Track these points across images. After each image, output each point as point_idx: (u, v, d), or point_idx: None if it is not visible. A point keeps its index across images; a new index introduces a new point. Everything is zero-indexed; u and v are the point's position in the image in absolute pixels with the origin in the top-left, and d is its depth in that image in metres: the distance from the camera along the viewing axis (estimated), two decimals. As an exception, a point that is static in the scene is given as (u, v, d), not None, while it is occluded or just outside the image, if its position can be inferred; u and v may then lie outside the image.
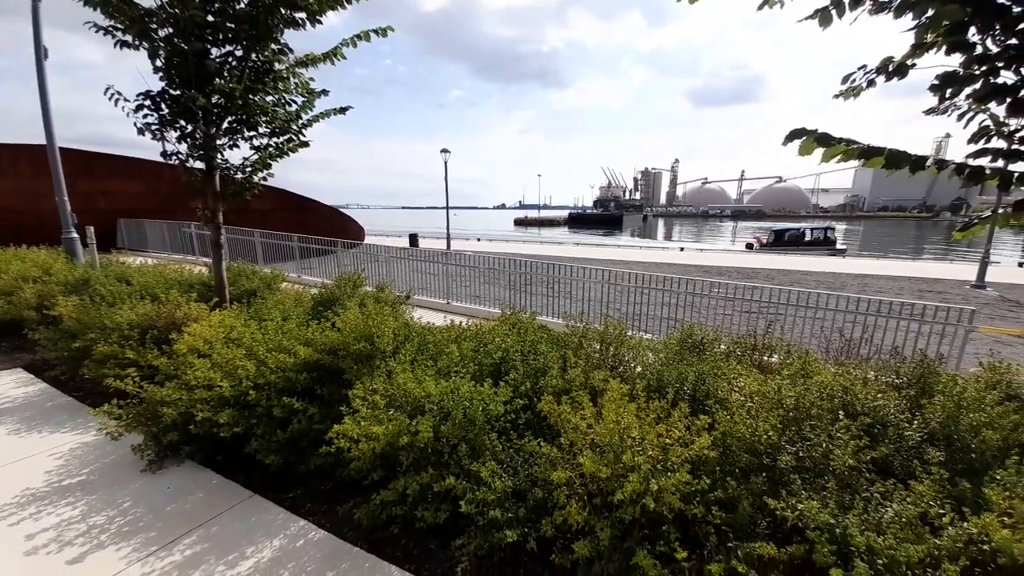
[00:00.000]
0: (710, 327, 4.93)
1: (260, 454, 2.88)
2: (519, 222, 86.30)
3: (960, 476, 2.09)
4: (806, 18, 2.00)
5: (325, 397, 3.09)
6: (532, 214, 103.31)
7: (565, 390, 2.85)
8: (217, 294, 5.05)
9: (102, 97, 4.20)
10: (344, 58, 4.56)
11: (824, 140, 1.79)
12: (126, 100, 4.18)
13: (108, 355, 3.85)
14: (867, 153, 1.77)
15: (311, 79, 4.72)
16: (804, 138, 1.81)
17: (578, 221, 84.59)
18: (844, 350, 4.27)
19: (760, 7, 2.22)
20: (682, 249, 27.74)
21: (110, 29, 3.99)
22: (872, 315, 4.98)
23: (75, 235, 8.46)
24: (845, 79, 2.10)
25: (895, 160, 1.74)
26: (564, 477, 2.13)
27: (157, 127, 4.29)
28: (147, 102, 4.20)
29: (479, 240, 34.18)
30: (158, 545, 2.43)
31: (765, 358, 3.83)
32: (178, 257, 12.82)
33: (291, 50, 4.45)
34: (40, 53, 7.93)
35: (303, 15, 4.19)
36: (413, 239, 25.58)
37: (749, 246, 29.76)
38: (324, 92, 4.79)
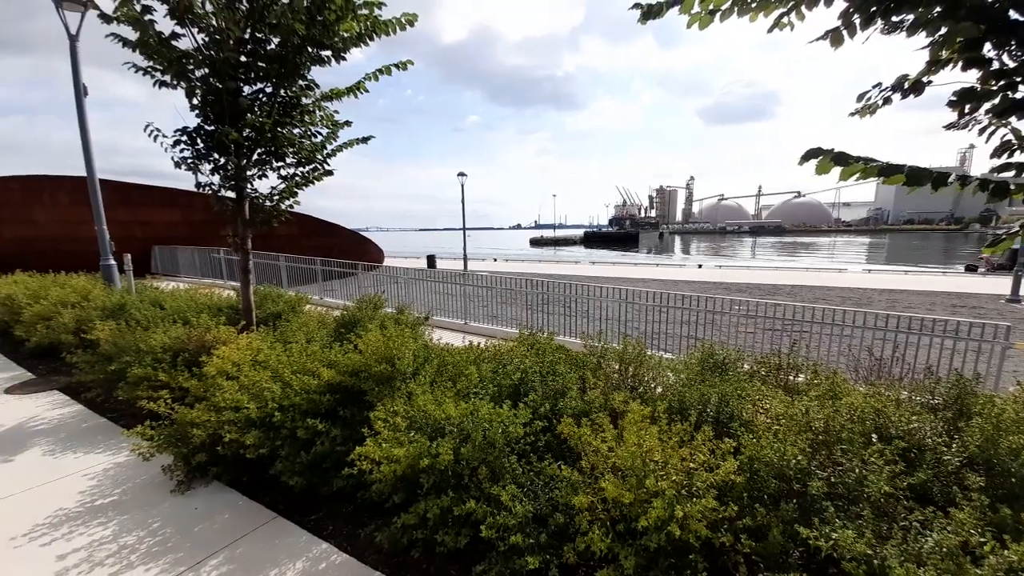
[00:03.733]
0: (732, 346, 4.84)
1: (284, 476, 2.92)
2: (535, 242, 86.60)
3: (1000, 502, 1.98)
4: (817, 39, 2.02)
5: (347, 419, 3.13)
6: (548, 234, 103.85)
7: (584, 412, 2.82)
8: (244, 317, 5.20)
9: (139, 132, 4.50)
10: (367, 91, 4.79)
11: (841, 159, 1.76)
12: (164, 136, 4.44)
13: (142, 377, 3.99)
14: (886, 171, 1.74)
15: (335, 111, 4.97)
16: (820, 158, 1.78)
17: (594, 240, 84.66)
18: (874, 369, 4.12)
19: (770, 30, 2.23)
20: (700, 266, 27.34)
21: (149, 70, 4.27)
22: (903, 332, 4.81)
23: (113, 262, 8.86)
24: (860, 97, 2.09)
25: (916, 177, 1.70)
26: (586, 502, 2.10)
27: (192, 160, 4.54)
28: (184, 137, 4.46)
29: (495, 260, 34.41)
30: (186, 566, 2.47)
31: (791, 378, 3.73)
32: (207, 281, 13.28)
33: (317, 85, 4.69)
34: (80, 91, 8.48)
35: (328, 53, 4.42)
36: (431, 260, 25.95)
37: (971, 268, 23.80)
38: (347, 123, 5.02)
